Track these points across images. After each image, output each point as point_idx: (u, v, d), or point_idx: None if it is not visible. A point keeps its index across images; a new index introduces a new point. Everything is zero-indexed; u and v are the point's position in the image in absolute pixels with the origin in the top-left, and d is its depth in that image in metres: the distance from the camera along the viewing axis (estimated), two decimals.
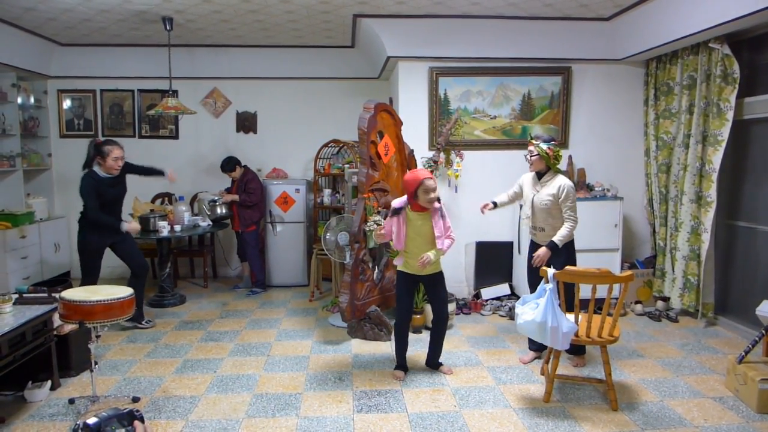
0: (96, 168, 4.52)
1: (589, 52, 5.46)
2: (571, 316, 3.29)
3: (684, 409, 3.30)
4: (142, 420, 1.11)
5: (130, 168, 4.86)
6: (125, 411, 1.11)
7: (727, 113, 4.45)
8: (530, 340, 4.05)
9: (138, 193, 6.39)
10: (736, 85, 4.38)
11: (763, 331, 3.49)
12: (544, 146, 3.80)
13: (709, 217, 4.65)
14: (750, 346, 3.45)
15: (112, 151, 4.49)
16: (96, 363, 3.29)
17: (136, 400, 3.41)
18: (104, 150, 4.47)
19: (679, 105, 5.03)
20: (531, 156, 3.87)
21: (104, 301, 3.07)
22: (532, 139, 3.94)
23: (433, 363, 3.93)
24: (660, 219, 5.34)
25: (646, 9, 4.80)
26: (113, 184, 4.63)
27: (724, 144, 4.49)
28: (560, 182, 3.79)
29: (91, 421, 1.06)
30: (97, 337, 3.25)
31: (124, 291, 3.22)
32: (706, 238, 4.71)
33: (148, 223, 5.50)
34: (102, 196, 4.51)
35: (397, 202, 3.65)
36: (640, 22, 4.97)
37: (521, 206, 4.30)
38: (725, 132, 4.47)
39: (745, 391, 3.36)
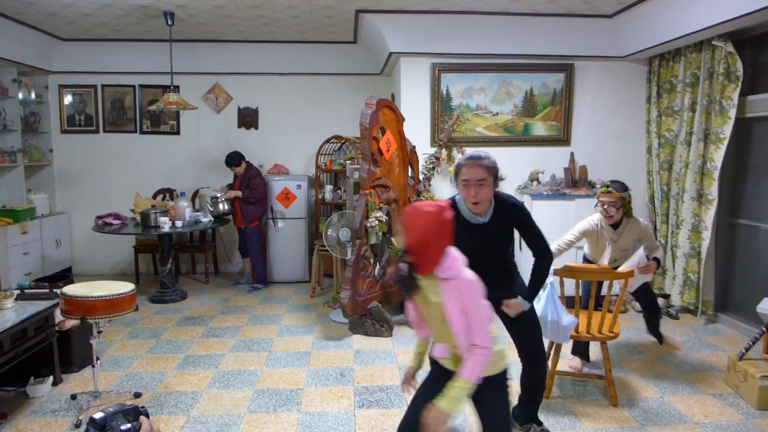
0: None
1: (591, 49, 5.45)
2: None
3: (684, 405, 3.31)
4: (147, 415, 1.12)
5: None
6: (131, 407, 1.12)
7: (730, 111, 4.44)
8: (574, 345, 3.84)
9: (139, 188, 6.41)
10: (739, 83, 4.37)
11: (764, 329, 3.49)
12: (626, 195, 3.54)
13: (710, 215, 4.65)
14: (750, 343, 3.46)
15: None
16: (98, 358, 3.29)
17: (138, 395, 3.42)
18: None
19: (682, 102, 5.02)
20: (610, 209, 3.51)
21: (106, 296, 3.06)
22: (607, 190, 3.51)
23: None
24: (661, 216, 5.34)
25: (649, 6, 4.79)
26: None
27: (726, 142, 4.49)
28: (640, 227, 3.62)
29: (98, 416, 1.06)
30: (99, 332, 3.24)
31: (126, 287, 3.22)
32: (706, 235, 4.71)
33: (149, 218, 5.50)
34: None
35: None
36: (644, 20, 4.96)
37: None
38: (727, 130, 4.47)
39: (745, 388, 3.37)
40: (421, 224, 1.96)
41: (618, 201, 3.52)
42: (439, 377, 2.18)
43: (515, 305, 2.66)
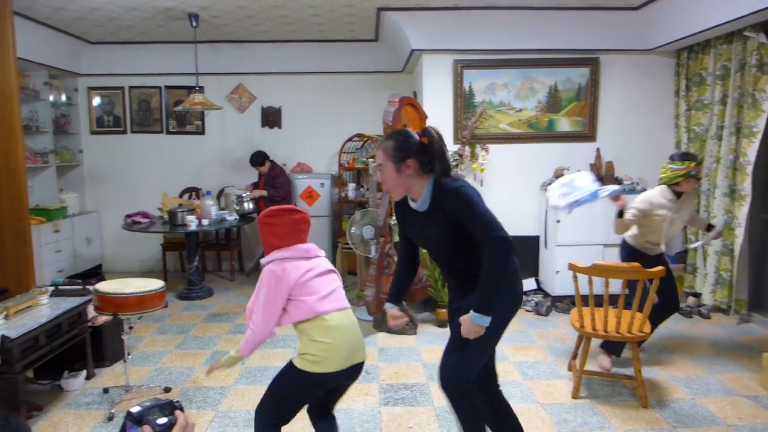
0: None
1: (617, 42, 5.35)
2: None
3: (717, 407, 3.24)
4: (182, 410, 1.14)
5: None
6: (166, 401, 1.14)
7: (763, 104, 4.32)
8: (603, 343, 3.72)
9: (166, 188, 6.52)
10: None
11: None
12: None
13: (743, 211, 4.53)
14: None
15: None
16: (129, 353, 3.37)
17: (167, 390, 3.48)
18: None
19: (712, 96, 4.90)
20: (698, 178, 3.60)
21: (136, 293, 3.13)
22: (698, 162, 3.58)
23: None
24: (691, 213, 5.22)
25: None
26: None
27: (759, 135, 4.37)
28: (690, 197, 3.73)
29: (135, 409, 1.09)
30: (130, 328, 3.32)
31: (156, 284, 3.28)
32: (740, 232, 4.59)
33: (176, 217, 5.59)
34: None
35: None
36: (671, 11, 4.85)
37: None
38: (761, 123, 4.35)
39: None
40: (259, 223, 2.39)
41: (698, 173, 3.60)
42: None
43: (464, 322, 2.14)
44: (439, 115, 5.39)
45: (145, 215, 5.96)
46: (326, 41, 6.50)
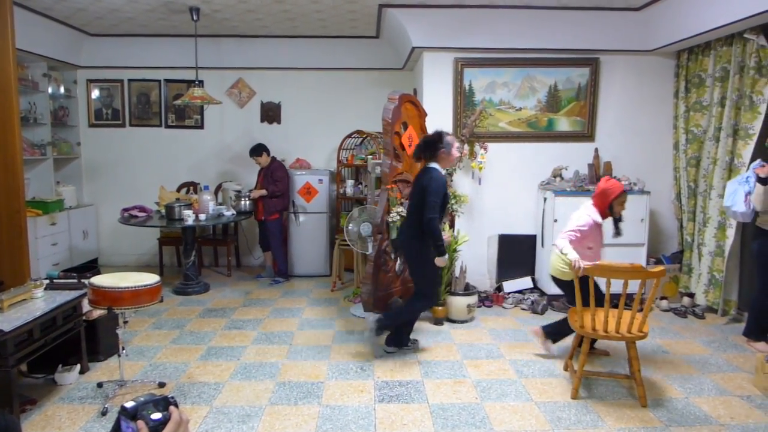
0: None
1: (618, 42, 5.35)
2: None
3: (710, 406, 3.25)
4: (176, 405, 1.13)
5: None
6: (161, 397, 1.14)
7: (760, 106, 4.33)
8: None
9: (163, 182, 6.51)
10: None
11: None
12: None
13: None
14: None
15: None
16: (123, 348, 3.36)
17: (162, 385, 3.48)
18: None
19: (711, 97, 4.91)
20: None
21: (132, 287, 3.12)
22: None
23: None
24: (688, 214, 5.24)
25: None
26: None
27: (755, 138, 4.38)
28: None
29: (129, 404, 1.08)
30: (125, 322, 3.32)
31: (152, 278, 3.28)
32: (730, 233, 4.61)
33: (174, 211, 5.58)
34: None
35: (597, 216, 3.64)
36: (672, 12, 4.85)
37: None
38: (757, 125, 4.36)
39: None
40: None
41: None
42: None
43: (438, 262, 3.84)
44: (438, 112, 5.38)
45: (142, 209, 5.95)
46: (327, 37, 6.48)
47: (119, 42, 6.50)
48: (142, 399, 1.11)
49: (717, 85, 4.80)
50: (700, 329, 4.61)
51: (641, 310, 3.41)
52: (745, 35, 4.38)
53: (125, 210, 5.91)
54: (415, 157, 4.01)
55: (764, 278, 4.04)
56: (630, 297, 3.34)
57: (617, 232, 3.79)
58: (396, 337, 4.06)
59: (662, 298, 5.22)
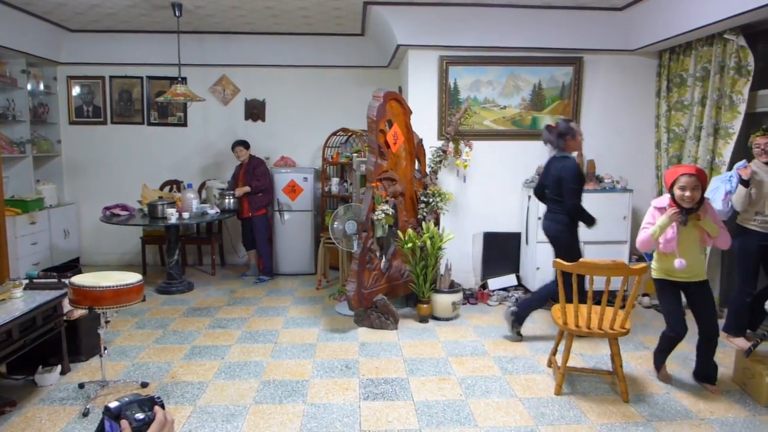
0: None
1: (601, 42, 5.40)
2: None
3: (690, 401, 3.30)
4: (162, 406, 1.12)
5: None
6: (146, 397, 1.12)
7: (740, 106, 4.40)
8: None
9: (146, 180, 6.44)
10: (750, 78, 4.33)
11: None
12: None
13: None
14: (758, 340, 3.43)
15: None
16: (105, 348, 3.32)
17: (145, 385, 3.44)
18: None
19: (692, 97, 4.97)
20: (767, 148, 3.93)
21: (114, 287, 3.08)
22: (763, 133, 3.95)
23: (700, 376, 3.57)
24: None
25: None
26: None
27: (735, 137, 4.45)
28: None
29: (113, 404, 1.07)
30: (107, 322, 3.27)
31: (134, 277, 3.24)
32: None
33: (156, 210, 5.52)
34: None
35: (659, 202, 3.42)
36: (655, 13, 4.91)
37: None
38: (737, 125, 4.43)
39: (752, 385, 3.35)
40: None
41: None
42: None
43: None
44: (423, 110, 5.39)
45: (124, 208, 5.88)
46: (312, 35, 6.45)
47: (100, 38, 6.40)
48: (126, 399, 1.10)
49: (698, 84, 4.87)
50: None
51: (624, 306, 3.45)
52: (725, 36, 4.45)
53: (107, 208, 5.83)
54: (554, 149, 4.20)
55: (743, 275, 4.11)
56: (613, 294, 3.38)
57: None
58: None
59: (644, 295, 5.29)
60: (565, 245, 4.11)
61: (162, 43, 6.34)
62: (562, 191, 4.01)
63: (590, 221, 4.08)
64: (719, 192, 4.09)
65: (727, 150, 4.51)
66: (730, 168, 4.51)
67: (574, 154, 4.16)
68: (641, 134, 5.65)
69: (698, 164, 4.82)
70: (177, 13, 5.29)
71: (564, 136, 4.08)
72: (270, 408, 3.19)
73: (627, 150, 5.65)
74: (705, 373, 3.50)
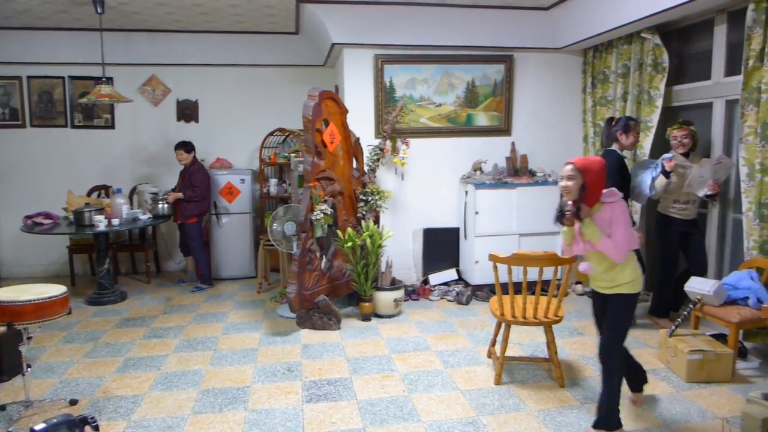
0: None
1: (530, 41, 5.58)
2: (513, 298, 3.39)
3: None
4: (96, 428, 1.06)
5: None
6: (78, 417, 1.06)
7: (657, 101, 4.66)
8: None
9: (71, 186, 6.11)
10: (665, 74, 4.59)
11: (692, 306, 3.70)
12: (694, 129, 4.23)
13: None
14: (680, 320, 3.65)
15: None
16: (29, 366, 3.12)
17: (74, 402, 3.26)
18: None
19: (615, 93, 5.23)
20: (684, 140, 4.20)
21: (35, 300, 2.91)
22: (680, 126, 4.23)
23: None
24: None
25: None
26: None
27: (653, 130, 4.70)
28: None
29: (39, 427, 1.00)
30: (29, 338, 3.08)
31: (57, 289, 3.06)
32: (636, 218, 4.94)
33: (83, 217, 5.25)
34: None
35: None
36: (578, 12, 5.12)
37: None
38: (654, 118, 4.69)
39: (675, 363, 3.57)
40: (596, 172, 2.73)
41: (689, 134, 4.19)
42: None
43: None
44: (360, 109, 5.39)
45: (47, 216, 5.54)
46: (245, 33, 6.31)
47: (16, 35, 6.00)
48: (54, 420, 1.04)
49: (619, 81, 5.12)
50: None
51: (557, 295, 3.58)
52: (642, 35, 4.70)
53: (28, 217, 5.48)
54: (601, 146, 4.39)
55: (665, 260, 4.37)
56: (547, 283, 3.50)
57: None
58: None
59: (577, 283, 5.52)
60: None
61: (85, 42, 6.02)
62: None
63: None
64: (645, 184, 4.30)
65: (646, 143, 4.76)
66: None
67: (624, 152, 4.32)
68: (570, 129, 5.88)
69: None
70: (99, 10, 5.03)
71: (618, 131, 4.18)
72: (209, 417, 3.10)
73: (557, 144, 5.86)
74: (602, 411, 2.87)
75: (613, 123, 4.28)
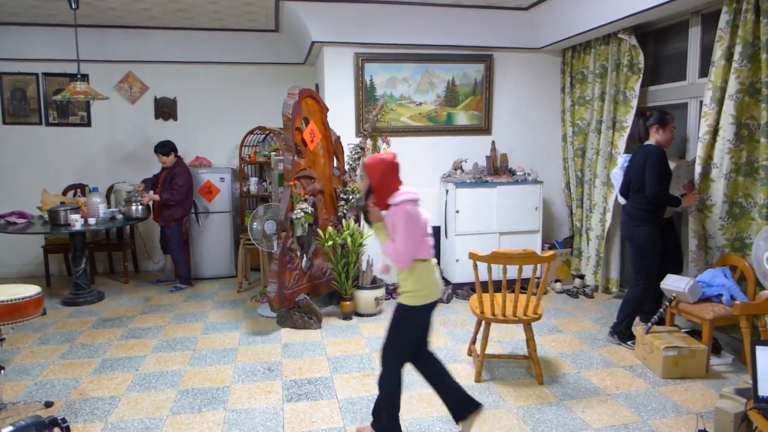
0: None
1: (509, 40, 5.62)
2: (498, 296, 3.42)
3: (598, 378, 3.52)
4: (67, 428, 1.04)
5: None
6: (48, 418, 1.03)
7: (632, 101, 4.73)
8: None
9: (47, 185, 5.99)
10: (641, 75, 4.67)
11: (667, 303, 3.77)
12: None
13: (611, 198, 4.96)
14: (656, 317, 3.72)
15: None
16: (2, 368, 3.06)
17: (49, 404, 3.20)
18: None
19: (593, 93, 5.30)
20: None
21: (6, 301, 2.85)
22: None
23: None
24: (576, 201, 5.63)
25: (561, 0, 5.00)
26: None
27: (628, 130, 4.78)
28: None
29: (6, 429, 0.98)
30: (2, 340, 3.02)
31: (30, 290, 3.00)
32: (609, 217, 5.03)
33: (58, 216, 5.15)
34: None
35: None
36: (556, 13, 5.17)
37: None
38: (629, 118, 4.76)
39: (651, 359, 3.63)
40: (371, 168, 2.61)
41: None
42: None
43: None
44: (341, 107, 5.38)
45: (21, 215, 5.43)
46: (225, 30, 6.25)
47: None
48: (22, 423, 1.01)
49: (597, 81, 5.19)
50: (590, 308, 4.98)
51: (536, 293, 3.62)
52: (619, 35, 4.77)
53: (1, 216, 5.36)
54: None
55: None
56: (527, 281, 3.53)
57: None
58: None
59: (556, 281, 5.58)
60: (638, 245, 3.92)
61: (59, 38, 5.90)
62: (645, 179, 3.77)
63: (676, 203, 3.87)
64: (619, 179, 4.36)
65: (621, 141, 4.84)
66: None
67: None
68: (549, 128, 5.95)
69: (600, 155, 5.13)
70: (73, 5, 4.92)
71: (652, 125, 3.89)
72: (188, 418, 3.07)
73: (537, 143, 5.92)
74: None
75: (647, 116, 3.99)
